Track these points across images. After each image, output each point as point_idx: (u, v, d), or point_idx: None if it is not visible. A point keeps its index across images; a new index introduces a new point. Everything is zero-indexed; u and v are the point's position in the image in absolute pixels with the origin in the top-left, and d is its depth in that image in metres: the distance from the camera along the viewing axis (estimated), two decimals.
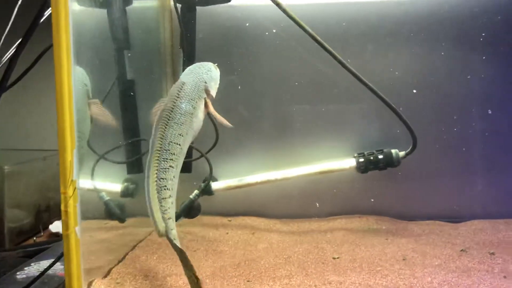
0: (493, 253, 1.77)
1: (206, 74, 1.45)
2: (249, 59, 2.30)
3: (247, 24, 2.28)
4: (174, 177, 1.32)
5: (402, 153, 2.19)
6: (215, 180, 2.29)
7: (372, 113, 2.29)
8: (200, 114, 1.41)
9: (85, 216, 1.56)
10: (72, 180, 1.27)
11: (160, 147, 1.30)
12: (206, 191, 2.21)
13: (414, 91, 2.23)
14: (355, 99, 2.29)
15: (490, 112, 2.19)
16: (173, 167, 1.31)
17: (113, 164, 2.04)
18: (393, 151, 2.19)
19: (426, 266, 1.62)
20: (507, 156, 2.25)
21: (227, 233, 2.13)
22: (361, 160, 2.20)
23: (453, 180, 2.29)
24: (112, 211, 1.96)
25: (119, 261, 1.68)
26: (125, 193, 2.10)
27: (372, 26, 2.23)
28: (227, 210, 2.40)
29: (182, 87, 1.39)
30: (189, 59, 2.12)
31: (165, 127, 1.32)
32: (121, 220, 1.96)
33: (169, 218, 1.30)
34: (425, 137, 2.22)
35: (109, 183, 2.09)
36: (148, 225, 2.17)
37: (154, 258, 1.75)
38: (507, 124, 2.21)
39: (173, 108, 1.35)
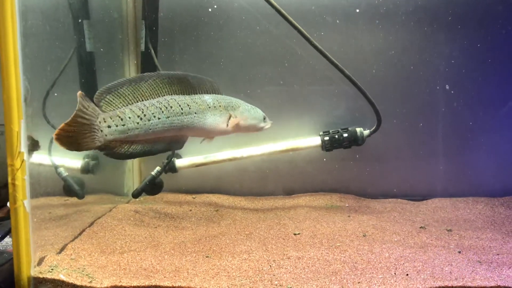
0: (450, 230, 1.80)
1: (246, 111, 1.72)
2: (215, 38, 2.24)
3: (215, 7, 2.22)
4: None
5: (366, 132, 2.19)
6: (179, 157, 2.25)
7: (339, 92, 2.28)
8: (221, 124, 1.64)
9: (45, 192, 1.50)
10: (19, 152, 1.21)
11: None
12: (170, 168, 2.17)
13: (374, 71, 2.23)
14: (322, 79, 2.27)
15: (447, 87, 2.21)
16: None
17: None
18: (357, 129, 2.19)
19: (385, 242, 1.64)
20: (467, 138, 2.28)
21: (191, 210, 2.11)
22: (326, 138, 2.20)
23: (416, 160, 2.32)
24: (70, 187, 1.90)
25: (75, 237, 1.63)
26: (86, 170, 2.03)
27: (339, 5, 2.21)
28: (192, 188, 2.37)
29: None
30: (151, 32, 2.05)
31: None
32: (80, 196, 1.90)
33: None
34: (390, 118, 2.24)
35: (68, 159, 2.03)
36: (109, 202, 2.14)
37: (112, 234, 1.71)
38: (465, 103, 2.24)
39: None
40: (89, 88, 1.99)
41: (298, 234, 1.72)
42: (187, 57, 2.25)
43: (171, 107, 1.51)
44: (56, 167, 1.86)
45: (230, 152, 2.24)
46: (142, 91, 1.49)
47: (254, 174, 2.34)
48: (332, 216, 1.96)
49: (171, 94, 1.54)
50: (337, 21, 2.23)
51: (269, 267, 1.42)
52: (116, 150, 1.46)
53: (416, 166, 2.32)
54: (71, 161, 2.03)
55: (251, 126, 1.74)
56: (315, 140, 2.21)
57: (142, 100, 1.48)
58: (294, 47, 2.21)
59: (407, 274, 1.33)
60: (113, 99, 1.43)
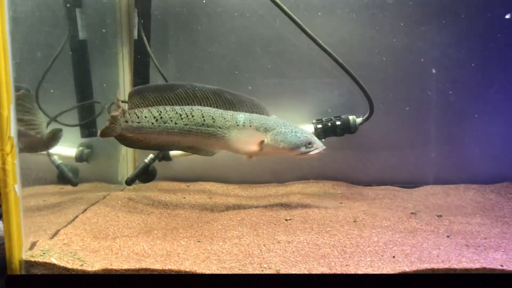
0: (440, 216, 1.82)
1: (281, 135, 1.71)
2: (208, 26, 2.24)
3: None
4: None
5: (359, 120, 2.20)
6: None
7: (332, 80, 2.28)
8: (248, 144, 1.72)
9: (37, 178, 1.52)
10: (9, 137, 1.22)
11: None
12: (164, 156, 2.18)
13: (360, 56, 2.23)
14: (316, 68, 2.27)
15: (434, 71, 2.21)
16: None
17: (68, 128, 1.98)
18: (350, 117, 2.20)
19: (375, 227, 1.65)
20: (458, 125, 2.29)
21: (184, 198, 2.12)
22: (319, 126, 2.21)
23: (408, 148, 2.33)
24: (64, 175, 1.91)
25: (68, 223, 1.64)
26: (80, 158, 2.04)
27: None
28: (186, 176, 2.38)
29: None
30: (144, 20, 2.05)
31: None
32: (74, 183, 1.91)
33: None
34: (383, 105, 2.24)
35: (63, 147, 2.03)
36: (103, 189, 2.15)
37: (105, 221, 1.73)
38: (456, 89, 2.24)
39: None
40: (82, 76, 1.99)
41: (290, 219, 1.74)
42: (180, 45, 2.25)
43: (192, 116, 1.65)
44: (50, 155, 1.87)
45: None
46: (169, 97, 1.67)
47: (249, 162, 2.34)
48: (324, 203, 1.97)
49: (202, 106, 1.68)
50: (323, 6, 2.22)
51: (259, 251, 1.43)
52: (131, 142, 1.69)
53: (409, 153, 2.33)
54: (66, 150, 2.04)
55: (285, 150, 1.70)
56: (308, 129, 2.22)
57: (166, 105, 1.66)
58: (286, 34, 2.21)
59: (393, 256, 1.35)
60: (139, 100, 1.65)
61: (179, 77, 2.23)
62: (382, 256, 1.37)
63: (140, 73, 2.05)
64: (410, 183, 2.32)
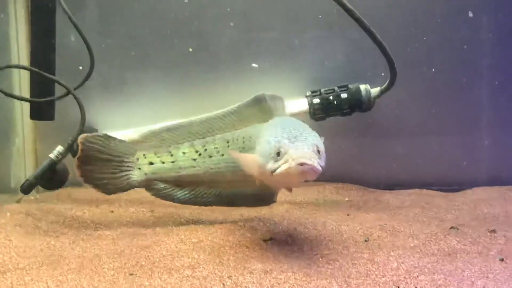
0: (493, 231, 1.88)
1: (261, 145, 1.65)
2: None
3: None
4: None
5: (375, 90, 2.25)
6: (94, 131, 2.28)
7: (334, 36, 2.33)
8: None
9: None
10: None
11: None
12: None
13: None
14: (311, 19, 2.32)
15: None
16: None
17: None
18: (362, 87, 2.25)
19: (395, 248, 1.71)
20: None
21: (112, 212, 2.14)
22: (316, 101, 2.25)
23: (450, 134, 2.39)
24: None
25: None
26: None
27: None
28: None
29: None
30: None
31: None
32: None
33: None
34: (410, 78, 2.29)
35: None
36: None
37: None
38: None
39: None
40: None
41: (270, 240, 1.78)
42: None
43: (237, 140, 1.85)
44: None
45: (175, 123, 2.27)
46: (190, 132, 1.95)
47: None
48: (322, 215, 2.02)
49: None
50: None
51: (221, 285, 1.47)
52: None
53: (450, 142, 2.39)
54: None
55: (262, 172, 1.61)
56: (300, 104, 2.27)
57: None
58: None
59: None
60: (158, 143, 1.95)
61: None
62: None
63: (41, 22, 2.05)
64: (452, 185, 2.39)
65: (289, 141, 1.51)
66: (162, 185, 1.94)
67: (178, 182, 1.92)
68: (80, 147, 1.83)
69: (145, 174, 1.91)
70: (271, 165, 1.51)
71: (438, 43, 2.33)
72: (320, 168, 1.47)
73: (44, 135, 2.34)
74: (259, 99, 1.82)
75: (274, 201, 1.92)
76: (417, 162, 2.41)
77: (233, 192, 1.91)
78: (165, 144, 1.93)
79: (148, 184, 1.93)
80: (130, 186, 1.92)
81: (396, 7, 2.31)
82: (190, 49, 2.35)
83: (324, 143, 1.63)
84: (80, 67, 2.18)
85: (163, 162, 1.90)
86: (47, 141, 2.30)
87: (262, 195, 1.87)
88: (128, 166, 1.91)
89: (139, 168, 1.90)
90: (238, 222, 1.96)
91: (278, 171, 1.48)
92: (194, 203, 1.99)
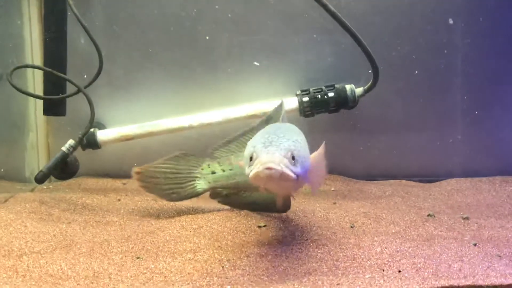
0: (467, 218, 1.90)
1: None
2: None
3: None
4: None
5: (359, 90, 2.26)
6: (102, 127, 2.27)
7: (322, 38, 2.33)
8: None
9: None
10: None
11: None
12: (89, 142, 2.19)
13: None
14: (300, 23, 2.32)
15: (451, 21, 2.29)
16: None
17: None
18: (347, 86, 2.26)
19: (378, 234, 1.72)
20: (494, 98, 2.38)
21: (119, 200, 2.14)
22: (306, 99, 2.25)
23: (428, 131, 2.40)
24: None
25: None
26: None
27: None
28: (122, 170, 2.40)
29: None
30: None
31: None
32: None
33: None
34: (390, 75, 2.30)
35: None
36: (3, 190, 2.15)
37: (7, 232, 1.75)
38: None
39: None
40: None
41: (264, 226, 1.79)
42: None
43: None
44: None
45: (175, 120, 2.27)
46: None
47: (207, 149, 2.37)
48: (311, 204, 2.03)
49: None
50: None
51: (220, 268, 1.48)
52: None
53: (427, 136, 2.41)
54: None
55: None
56: (291, 102, 2.27)
57: None
58: None
59: (399, 271, 1.41)
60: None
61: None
62: (385, 271, 1.43)
63: (53, 25, 2.04)
64: (428, 176, 2.41)
65: (262, 146, 1.41)
66: (224, 192, 1.95)
67: (235, 189, 1.93)
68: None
69: (209, 183, 1.92)
70: (247, 170, 1.44)
71: (419, 48, 2.33)
72: (291, 174, 1.37)
73: (56, 129, 2.34)
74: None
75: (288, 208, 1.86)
76: (397, 156, 2.42)
77: (262, 197, 1.88)
78: (229, 154, 1.92)
79: (211, 192, 1.95)
80: (194, 195, 1.96)
81: (379, 13, 2.30)
82: (207, 37, 2.34)
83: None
84: (85, 76, 2.20)
85: (224, 171, 1.90)
86: (58, 135, 2.29)
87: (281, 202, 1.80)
88: (194, 177, 1.94)
89: (204, 178, 1.93)
90: (234, 210, 1.97)
91: (250, 175, 1.40)
92: (251, 208, 1.95)
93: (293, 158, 1.40)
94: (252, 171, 1.38)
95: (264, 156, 1.37)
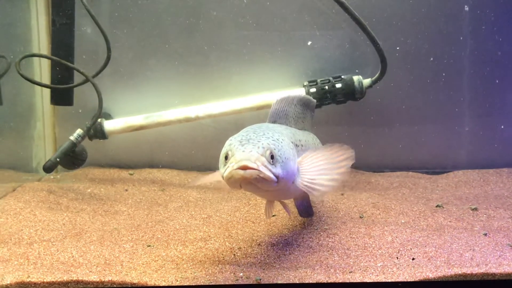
0: (475, 209, 1.90)
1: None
2: None
3: None
4: None
5: (367, 81, 2.26)
6: (109, 117, 2.27)
7: (329, 29, 2.33)
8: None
9: None
10: None
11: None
12: (96, 132, 2.19)
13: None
14: (308, 14, 2.31)
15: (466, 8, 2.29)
16: None
17: None
18: (355, 78, 2.25)
19: (388, 224, 1.72)
20: (502, 91, 2.38)
21: (127, 190, 2.14)
22: (313, 90, 2.25)
23: (434, 121, 2.40)
24: None
25: None
26: None
27: None
28: (129, 161, 2.41)
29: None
30: None
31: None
32: None
33: None
34: (398, 66, 2.30)
35: None
36: (11, 179, 2.15)
37: (17, 220, 1.75)
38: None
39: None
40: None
41: (274, 216, 1.79)
42: None
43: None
44: None
45: (182, 110, 2.27)
46: None
47: (214, 141, 2.37)
48: None
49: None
50: None
51: (232, 256, 1.48)
52: None
53: (435, 128, 2.41)
54: None
55: None
56: (299, 93, 2.26)
57: None
58: None
59: (413, 259, 1.42)
60: None
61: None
62: (397, 259, 1.44)
63: (62, 13, 2.04)
64: (436, 168, 2.41)
65: (239, 144, 1.29)
66: None
67: None
68: None
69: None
70: (221, 170, 1.31)
71: (427, 39, 2.32)
72: (269, 175, 1.25)
73: (62, 119, 2.33)
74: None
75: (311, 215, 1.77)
76: (404, 147, 2.42)
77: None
78: None
79: None
80: None
81: (389, 6, 2.29)
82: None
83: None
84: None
85: None
86: (65, 125, 2.29)
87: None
88: None
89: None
90: (242, 200, 1.97)
91: (223, 176, 1.28)
92: None
93: (272, 157, 1.29)
94: (226, 171, 1.26)
95: (240, 154, 1.26)
